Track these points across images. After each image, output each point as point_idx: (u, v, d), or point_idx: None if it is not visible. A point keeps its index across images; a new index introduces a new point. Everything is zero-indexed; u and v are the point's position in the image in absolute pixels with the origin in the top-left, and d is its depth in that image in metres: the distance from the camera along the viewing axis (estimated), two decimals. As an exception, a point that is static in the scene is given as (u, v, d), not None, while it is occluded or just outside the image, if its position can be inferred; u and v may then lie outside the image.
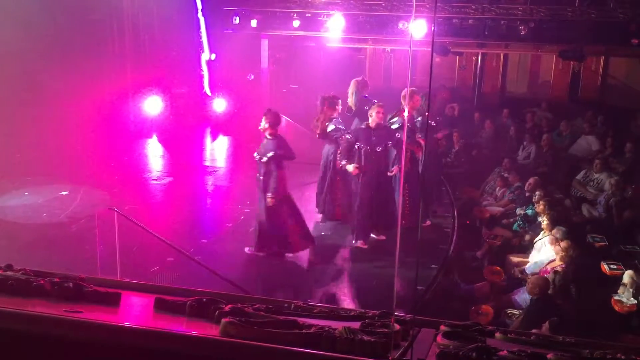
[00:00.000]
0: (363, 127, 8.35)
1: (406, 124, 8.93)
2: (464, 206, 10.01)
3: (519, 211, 9.13)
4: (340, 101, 8.79)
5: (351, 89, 9.26)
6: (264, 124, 7.58)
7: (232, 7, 13.42)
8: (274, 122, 7.62)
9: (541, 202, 8.43)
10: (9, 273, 2.86)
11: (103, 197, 9.65)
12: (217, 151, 13.67)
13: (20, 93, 10.70)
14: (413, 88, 8.91)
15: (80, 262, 7.04)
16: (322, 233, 8.69)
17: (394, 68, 15.62)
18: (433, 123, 9.48)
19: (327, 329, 2.38)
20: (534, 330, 5.06)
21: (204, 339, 2.40)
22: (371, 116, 8.16)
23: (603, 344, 2.55)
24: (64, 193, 9.88)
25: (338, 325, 2.43)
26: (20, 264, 3.01)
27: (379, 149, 8.11)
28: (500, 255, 8.27)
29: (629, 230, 8.50)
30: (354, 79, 9.43)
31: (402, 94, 8.77)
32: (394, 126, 8.63)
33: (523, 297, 7.04)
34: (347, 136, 8.34)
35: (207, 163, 12.47)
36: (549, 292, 6.63)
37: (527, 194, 9.35)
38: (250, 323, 2.40)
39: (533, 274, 7.38)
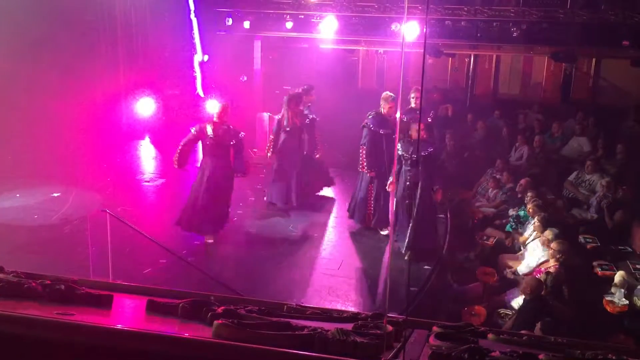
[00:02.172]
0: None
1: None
2: (457, 207, 10.03)
3: (511, 212, 9.15)
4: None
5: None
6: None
7: (225, 9, 13.38)
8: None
9: (532, 203, 8.46)
10: (0, 275, 2.85)
11: (95, 199, 9.60)
12: (210, 153, 13.58)
13: (11, 94, 10.62)
14: (389, 93, 8.95)
15: (72, 264, 7.01)
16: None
17: (386, 70, 15.64)
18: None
19: (319, 330, 2.38)
20: (526, 331, 5.07)
21: (197, 341, 2.40)
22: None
23: (595, 344, 2.56)
24: (56, 195, 9.84)
25: (331, 326, 2.43)
26: (12, 266, 3.00)
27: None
28: (493, 256, 8.29)
29: (620, 231, 8.54)
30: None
31: (383, 95, 8.85)
32: None
33: (516, 297, 7.06)
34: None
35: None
36: (542, 292, 6.66)
37: (519, 195, 9.38)
38: (243, 325, 2.40)
39: (525, 275, 7.41)
